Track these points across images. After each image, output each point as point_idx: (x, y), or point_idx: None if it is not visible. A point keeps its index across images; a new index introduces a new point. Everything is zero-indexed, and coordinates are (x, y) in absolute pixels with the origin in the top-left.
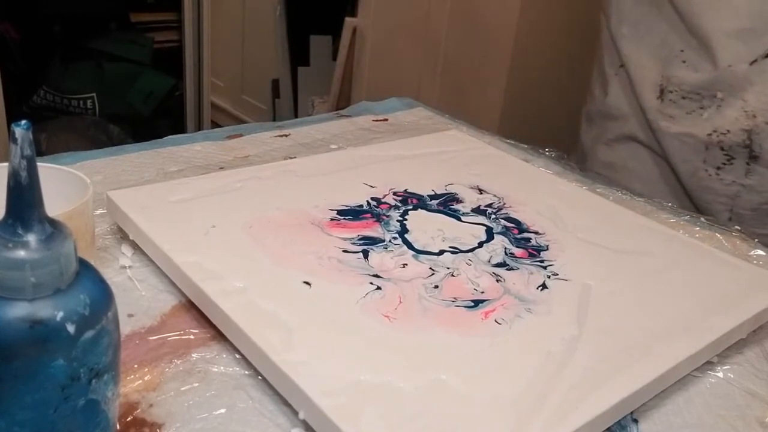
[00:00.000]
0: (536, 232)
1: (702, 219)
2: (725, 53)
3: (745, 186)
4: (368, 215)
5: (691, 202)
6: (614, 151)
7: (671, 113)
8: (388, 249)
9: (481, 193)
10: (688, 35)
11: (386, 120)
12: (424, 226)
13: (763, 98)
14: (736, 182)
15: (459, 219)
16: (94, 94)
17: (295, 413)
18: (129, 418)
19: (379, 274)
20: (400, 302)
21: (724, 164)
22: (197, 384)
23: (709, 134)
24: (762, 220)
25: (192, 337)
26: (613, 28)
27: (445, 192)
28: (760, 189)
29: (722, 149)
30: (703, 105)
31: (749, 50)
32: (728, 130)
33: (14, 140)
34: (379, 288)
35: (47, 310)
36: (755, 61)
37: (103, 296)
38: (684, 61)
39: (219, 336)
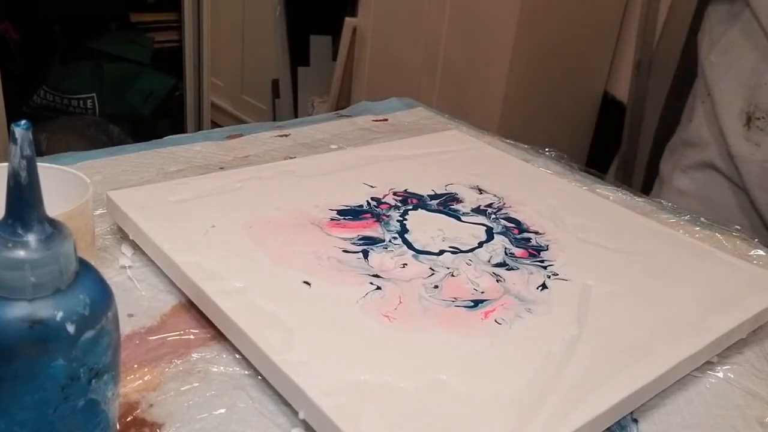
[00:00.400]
0: (536, 232)
1: (702, 219)
2: None
3: None
4: (368, 215)
5: None
6: (691, 178)
7: (757, 141)
8: (388, 249)
9: (481, 193)
10: None
11: (386, 120)
12: (424, 226)
13: None
14: None
15: (459, 219)
16: (94, 94)
17: (295, 413)
18: (129, 418)
19: (379, 274)
20: (400, 302)
21: None
22: (197, 384)
23: None
24: None
25: (192, 337)
26: (703, 56)
27: (445, 192)
28: None
29: None
30: None
31: None
32: None
33: (14, 140)
34: (379, 288)
35: (47, 310)
36: None
37: (102, 296)
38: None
39: (219, 336)
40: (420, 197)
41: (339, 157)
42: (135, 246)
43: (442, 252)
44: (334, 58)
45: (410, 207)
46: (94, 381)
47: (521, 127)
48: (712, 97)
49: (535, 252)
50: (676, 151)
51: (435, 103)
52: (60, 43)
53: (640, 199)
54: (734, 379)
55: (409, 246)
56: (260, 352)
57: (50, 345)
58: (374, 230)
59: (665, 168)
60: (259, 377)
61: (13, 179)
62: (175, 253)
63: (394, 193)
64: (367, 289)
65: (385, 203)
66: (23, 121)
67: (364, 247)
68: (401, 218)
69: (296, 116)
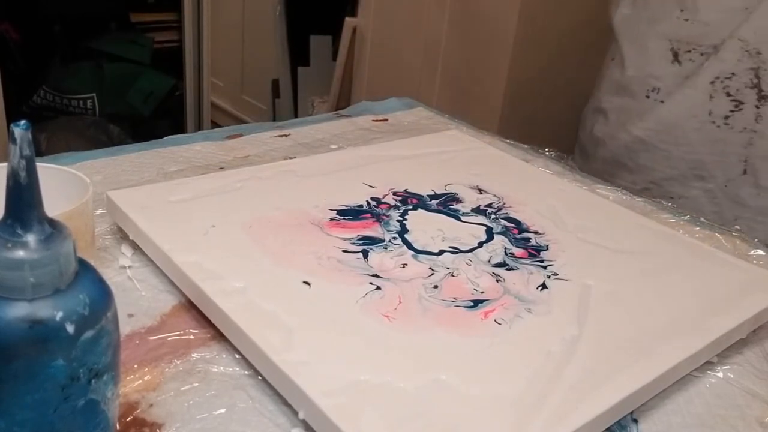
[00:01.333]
0: (536, 232)
1: (702, 219)
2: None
3: (756, 132)
4: (368, 215)
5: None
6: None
7: (686, 73)
8: (388, 249)
9: (481, 193)
10: None
11: (386, 120)
12: (424, 226)
13: (763, 32)
14: (747, 128)
15: (459, 219)
16: (94, 94)
17: (295, 413)
18: (129, 418)
19: (378, 274)
20: (400, 302)
21: (733, 111)
22: (197, 384)
23: (712, 82)
24: None
25: (192, 337)
26: (615, 17)
27: (445, 192)
28: None
29: (728, 95)
30: (703, 52)
31: None
32: (733, 73)
33: (13, 140)
34: (378, 288)
35: (47, 310)
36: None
37: (102, 296)
38: (687, 20)
39: (219, 336)
40: (420, 197)
41: (339, 157)
42: (135, 246)
43: (441, 252)
44: (334, 58)
45: (410, 207)
46: (93, 381)
47: (521, 127)
48: (629, 50)
49: (535, 252)
50: (588, 119)
51: (435, 103)
52: (60, 43)
53: (640, 199)
54: (734, 379)
55: (409, 246)
56: (260, 352)
57: (50, 345)
58: (374, 230)
59: (584, 136)
60: (259, 377)
61: (13, 179)
62: (175, 253)
63: (394, 193)
64: (366, 289)
65: (385, 203)
66: (22, 121)
67: (364, 247)
68: (401, 218)
69: (296, 116)
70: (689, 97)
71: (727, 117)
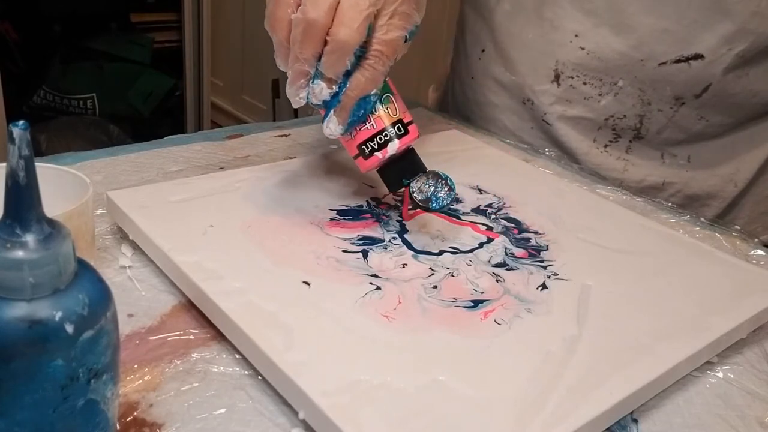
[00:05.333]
0: (536, 232)
1: (702, 219)
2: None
3: (628, 161)
4: (368, 215)
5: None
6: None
7: (569, 98)
8: (388, 249)
9: (481, 193)
10: (582, 16)
11: None
12: (424, 226)
13: (662, 91)
14: (621, 158)
15: (459, 219)
16: (94, 94)
17: (295, 413)
18: (129, 418)
19: (378, 274)
20: (400, 302)
21: (611, 141)
22: (197, 384)
23: (607, 119)
24: (647, 193)
25: (192, 337)
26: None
27: None
28: (640, 164)
29: (613, 130)
30: (602, 92)
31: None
32: (625, 115)
33: (12, 140)
34: (378, 288)
35: (46, 310)
36: (665, 63)
37: (101, 296)
38: (582, 48)
39: (219, 336)
40: None
41: (339, 157)
42: (135, 246)
43: (441, 252)
44: None
45: (410, 207)
46: (93, 381)
47: None
48: (504, 53)
49: (535, 252)
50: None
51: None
52: (60, 43)
53: (640, 199)
54: (734, 379)
55: (409, 246)
56: (260, 352)
57: (49, 345)
58: (374, 230)
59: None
60: (259, 377)
61: (12, 179)
62: (175, 253)
63: (394, 193)
64: (366, 289)
65: (385, 203)
66: (21, 122)
67: (364, 247)
68: (401, 218)
69: (296, 116)
70: (577, 123)
71: (606, 146)
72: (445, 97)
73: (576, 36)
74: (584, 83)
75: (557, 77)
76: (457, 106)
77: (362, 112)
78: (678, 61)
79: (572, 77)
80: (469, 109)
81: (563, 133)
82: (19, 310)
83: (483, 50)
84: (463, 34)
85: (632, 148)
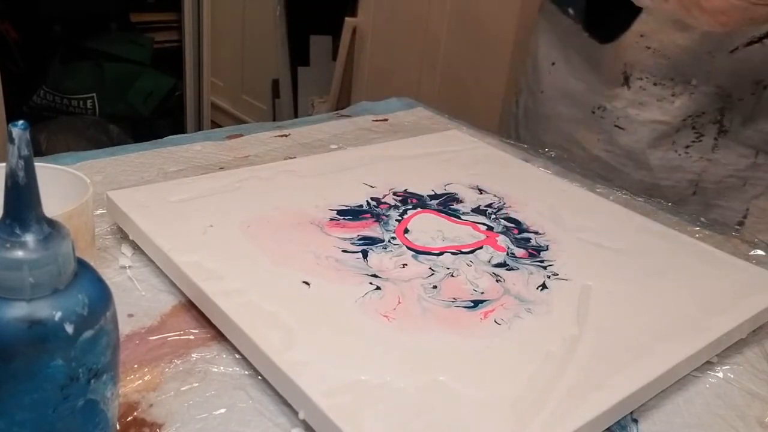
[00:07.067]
0: (536, 232)
1: (702, 219)
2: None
3: (711, 160)
4: (368, 215)
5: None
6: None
7: (641, 100)
8: (388, 249)
9: (481, 193)
10: (645, 15)
11: (386, 120)
12: (424, 226)
13: (736, 80)
14: (704, 158)
15: (459, 219)
16: (94, 94)
17: (295, 413)
18: (129, 418)
19: (378, 274)
20: (399, 302)
21: (693, 142)
22: (197, 384)
23: (684, 119)
24: (723, 193)
25: (192, 337)
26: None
27: (445, 192)
28: (725, 162)
29: (694, 129)
30: (675, 92)
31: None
32: (704, 112)
33: (11, 140)
34: (378, 288)
35: (46, 310)
36: (736, 49)
37: (101, 296)
38: (648, 47)
39: (219, 336)
40: (420, 197)
41: (339, 157)
42: (135, 246)
43: (441, 252)
44: (334, 58)
45: (410, 207)
46: (93, 381)
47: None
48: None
49: (535, 252)
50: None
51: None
52: (60, 43)
53: (640, 199)
54: (734, 379)
55: (409, 246)
56: (260, 352)
57: (49, 345)
58: (374, 230)
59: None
60: (259, 377)
61: (11, 179)
62: (175, 253)
63: (394, 193)
64: (366, 289)
65: (385, 203)
66: (20, 122)
67: (364, 247)
68: (401, 218)
69: (296, 116)
70: (654, 129)
71: (688, 147)
72: (505, 116)
73: (641, 36)
74: (655, 84)
75: (626, 79)
76: (527, 120)
77: None
78: (750, 43)
79: (641, 78)
80: (537, 124)
81: (637, 138)
82: (18, 310)
83: (553, 63)
84: (536, 50)
85: (718, 146)
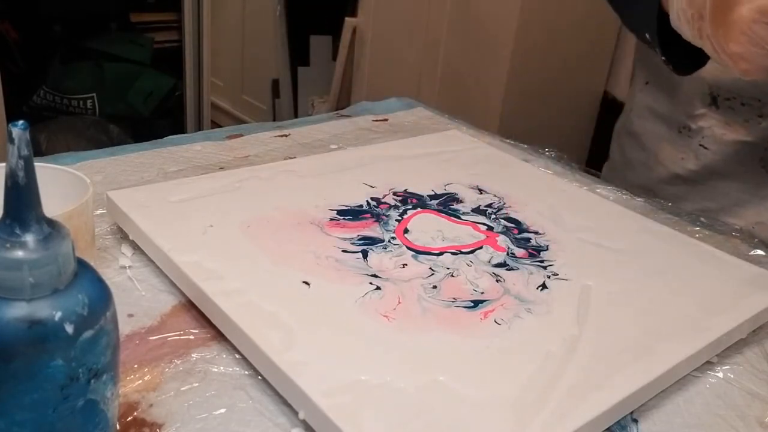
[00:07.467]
0: (536, 232)
1: (702, 219)
2: None
3: None
4: (368, 215)
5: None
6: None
7: (727, 121)
8: (388, 249)
9: (481, 193)
10: None
11: (386, 120)
12: (424, 226)
13: None
14: None
15: (459, 219)
16: (94, 94)
17: (295, 413)
18: (129, 418)
19: (378, 274)
20: (399, 302)
21: None
22: (197, 384)
23: None
24: None
25: (192, 337)
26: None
27: (445, 192)
28: None
29: None
30: (763, 113)
31: None
32: None
33: (11, 140)
34: (378, 288)
35: (46, 310)
36: None
37: (101, 296)
38: None
39: (219, 336)
40: (420, 197)
41: (339, 157)
42: (135, 246)
43: (442, 252)
44: (334, 58)
45: (410, 207)
46: (93, 381)
47: (521, 127)
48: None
49: (535, 252)
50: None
51: (435, 103)
52: (60, 43)
53: (640, 199)
54: (734, 379)
55: (409, 246)
56: (260, 352)
57: (49, 345)
58: (374, 230)
59: (614, 154)
60: (259, 377)
61: (11, 179)
62: (175, 253)
63: (394, 193)
64: (366, 289)
65: (385, 203)
66: (20, 122)
67: (364, 247)
68: (401, 218)
69: (296, 116)
70: (739, 150)
71: None
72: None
73: None
74: (742, 104)
75: (714, 100)
76: (618, 136)
77: None
78: None
79: (728, 99)
80: (624, 140)
81: (721, 158)
82: (18, 310)
83: (647, 83)
84: (635, 70)
85: None
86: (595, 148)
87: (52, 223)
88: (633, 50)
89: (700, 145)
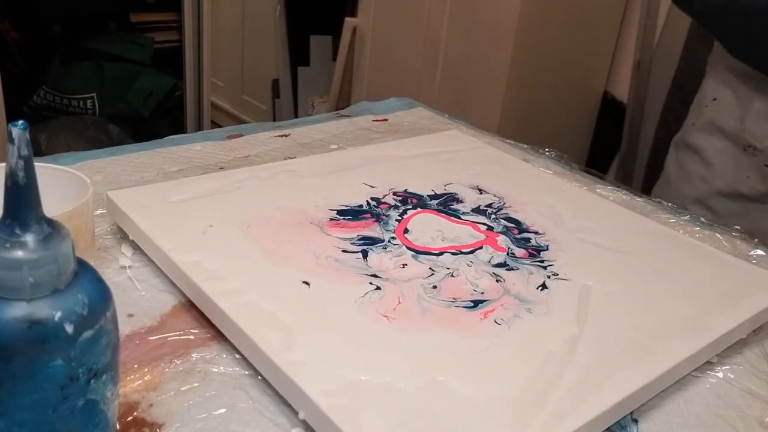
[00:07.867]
0: (536, 232)
1: (702, 219)
2: None
3: None
4: (368, 215)
5: None
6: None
7: None
8: (387, 249)
9: (481, 193)
10: None
11: (386, 120)
12: (424, 226)
13: None
14: None
15: (459, 219)
16: (94, 94)
17: (295, 413)
18: (129, 418)
19: (377, 274)
20: (399, 302)
21: None
22: (197, 384)
23: None
24: None
25: (192, 337)
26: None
27: (445, 192)
28: None
29: None
30: None
31: None
32: None
33: (11, 140)
34: (378, 288)
35: (45, 310)
36: None
37: (101, 296)
38: None
39: (219, 336)
40: (420, 197)
41: (339, 157)
42: (135, 246)
43: (441, 252)
44: (334, 58)
45: (410, 207)
46: (93, 381)
47: (521, 127)
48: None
49: (535, 252)
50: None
51: (435, 103)
52: (60, 43)
53: (640, 199)
54: (734, 379)
55: (409, 246)
56: (260, 352)
57: (49, 345)
58: (374, 230)
59: (671, 166)
60: (259, 377)
61: (11, 179)
62: (175, 253)
63: (394, 193)
64: (366, 289)
65: (385, 203)
66: (20, 122)
67: (364, 247)
68: (400, 218)
69: (296, 116)
70: None
71: None
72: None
73: None
74: None
75: None
76: (676, 147)
77: None
78: None
79: None
80: (683, 153)
81: None
82: (18, 310)
83: (714, 99)
84: (703, 84)
85: None
86: (595, 148)
87: (52, 223)
88: (634, 51)
89: (766, 165)
